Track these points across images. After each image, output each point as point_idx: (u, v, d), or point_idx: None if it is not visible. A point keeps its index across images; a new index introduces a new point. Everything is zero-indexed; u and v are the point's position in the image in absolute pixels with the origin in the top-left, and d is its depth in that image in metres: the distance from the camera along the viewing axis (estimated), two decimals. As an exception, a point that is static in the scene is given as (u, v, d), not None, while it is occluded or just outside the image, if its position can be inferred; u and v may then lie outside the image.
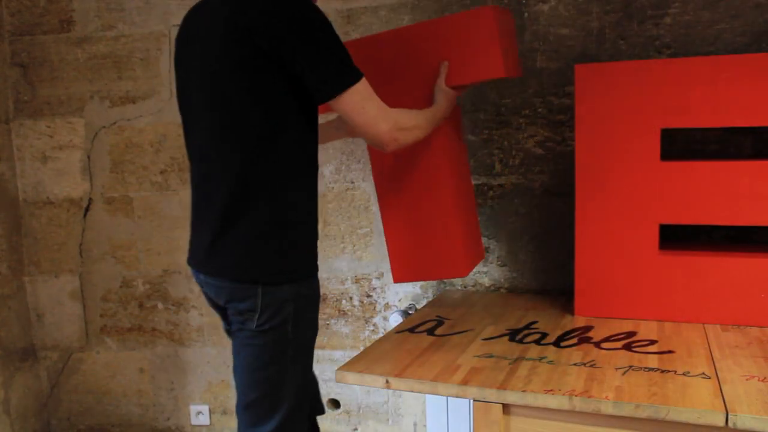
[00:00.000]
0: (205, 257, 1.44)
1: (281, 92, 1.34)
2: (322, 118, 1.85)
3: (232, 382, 2.42)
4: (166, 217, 2.38)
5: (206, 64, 1.37)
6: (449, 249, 1.72)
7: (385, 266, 2.21)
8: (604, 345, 1.52)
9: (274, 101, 1.34)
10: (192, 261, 1.50)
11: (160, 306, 2.43)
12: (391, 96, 1.49)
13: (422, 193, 1.72)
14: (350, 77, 1.34)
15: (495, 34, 1.57)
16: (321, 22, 1.31)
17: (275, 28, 1.27)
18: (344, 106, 1.35)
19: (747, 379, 1.28)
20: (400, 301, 2.22)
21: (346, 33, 2.10)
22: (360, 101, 1.35)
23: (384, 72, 1.66)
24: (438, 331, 1.67)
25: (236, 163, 1.36)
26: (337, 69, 1.33)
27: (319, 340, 1.86)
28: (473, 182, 2.04)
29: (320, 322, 2.02)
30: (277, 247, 1.38)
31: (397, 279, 1.82)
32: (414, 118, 1.49)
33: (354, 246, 2.23)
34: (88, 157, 2.41)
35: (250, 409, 1.46)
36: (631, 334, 1.59)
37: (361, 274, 2.24)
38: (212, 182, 1.40)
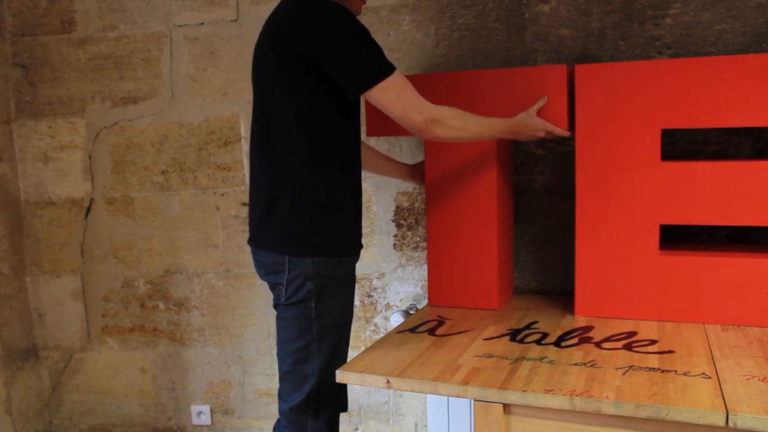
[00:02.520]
0: (254, 233, 1.62)
1: (316, 91, 1.49)
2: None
3: (236, 380, 2.44)
4: (167, 218, 2.39)
5: (260, 64, 1.57)
6: (486, 283, 1.86)
7: (386, 266, 2.21)
8: (605, 345, 1.52)
9: (310, 99, 1.49)
10: (249, 238, 1.67)
11: (162, 306, 2.44)
12: None
13: (469, 228, 1.85)
14: (378, 74, 1.45)
15: (564, 92, 1.70)
16: (352, 27, 1.45)
17: (311, 34, 1.43)
18: (378, 100, 1.47)
19: (747, 379, 1.29)
20: (401, 301, 2.22)
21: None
22: (392, 96, 1.46)
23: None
24: (439, 331, 1.68)
25: (277, 149, 1.53)
26: (365, 67, 1.45)
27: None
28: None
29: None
30: (308, 224, 1.53)
31: (432, 301, 1.94)
32: (458, 116, 1.54)
33: (355, 246, 2.23)
34: (90, 158, 2.41)
35: (283, 381, 1.62)
36: (632, 334, 1.60)
37: (362, 275, 2.24)
38: (260, 166, 1.58)
